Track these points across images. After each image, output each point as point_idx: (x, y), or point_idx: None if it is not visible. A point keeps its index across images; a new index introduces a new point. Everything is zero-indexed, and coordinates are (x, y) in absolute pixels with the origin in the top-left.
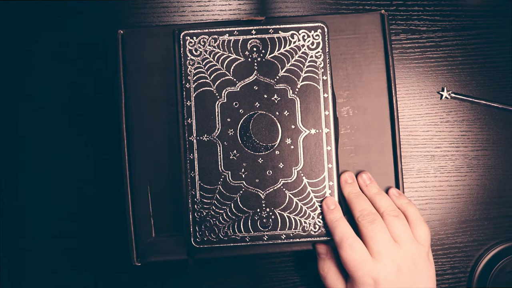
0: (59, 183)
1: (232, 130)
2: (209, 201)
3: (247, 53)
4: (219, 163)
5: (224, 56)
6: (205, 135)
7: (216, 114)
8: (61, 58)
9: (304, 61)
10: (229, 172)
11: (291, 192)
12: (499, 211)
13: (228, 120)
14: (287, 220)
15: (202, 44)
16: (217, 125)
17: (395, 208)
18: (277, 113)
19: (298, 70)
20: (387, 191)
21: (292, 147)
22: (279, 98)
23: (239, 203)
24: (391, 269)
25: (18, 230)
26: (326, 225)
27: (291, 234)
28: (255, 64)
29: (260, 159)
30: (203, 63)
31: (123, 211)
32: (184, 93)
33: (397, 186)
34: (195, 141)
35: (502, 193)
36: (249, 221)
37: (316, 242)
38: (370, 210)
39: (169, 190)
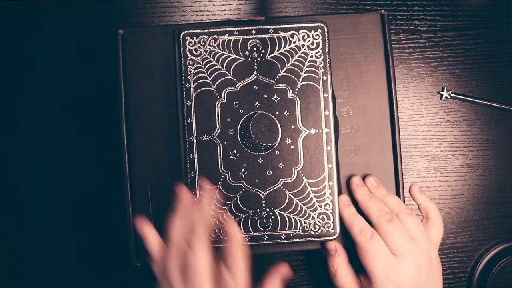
0: (59, 183)
1: (232, 130)
2: None
3: (247, 53)
4: (219, 163)
5: (224, 56)
6: (205, 135)
7: (216, 114)
8: (61, 58)
9: (304, 61)
10: (229, 172)
11: (291, 192)
12: (499, 211)
13: (228, 120)
14: (287, 220)
15: (202, 44)
16: (217, 125)
17: (407, 207)
18: (277, 113)
19: (298, 70)
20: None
21: (292, 147)
22: (279, 98)
23: (239, 203)
24: (412, 266)
25: (18, 230)
26: (326, 225)
27: (291, 234)
28: (255, 64)
29: (260, 159)
30: (203, 63)
31: (123, 211)
32: (184, 93)
33: (397, 186)
34: (195, 141)
35: (502, 193)
36: (249, 221)
37: (316, 242)
38: (386, 210)
39: (169, 190)
